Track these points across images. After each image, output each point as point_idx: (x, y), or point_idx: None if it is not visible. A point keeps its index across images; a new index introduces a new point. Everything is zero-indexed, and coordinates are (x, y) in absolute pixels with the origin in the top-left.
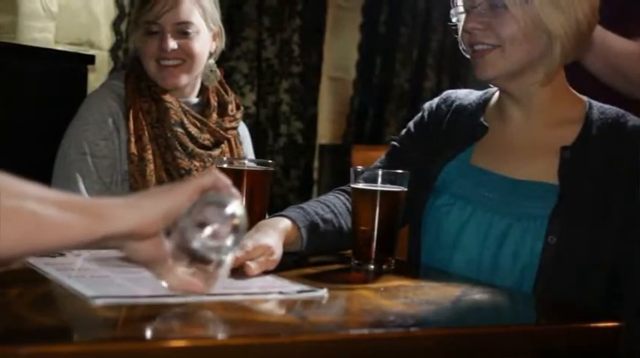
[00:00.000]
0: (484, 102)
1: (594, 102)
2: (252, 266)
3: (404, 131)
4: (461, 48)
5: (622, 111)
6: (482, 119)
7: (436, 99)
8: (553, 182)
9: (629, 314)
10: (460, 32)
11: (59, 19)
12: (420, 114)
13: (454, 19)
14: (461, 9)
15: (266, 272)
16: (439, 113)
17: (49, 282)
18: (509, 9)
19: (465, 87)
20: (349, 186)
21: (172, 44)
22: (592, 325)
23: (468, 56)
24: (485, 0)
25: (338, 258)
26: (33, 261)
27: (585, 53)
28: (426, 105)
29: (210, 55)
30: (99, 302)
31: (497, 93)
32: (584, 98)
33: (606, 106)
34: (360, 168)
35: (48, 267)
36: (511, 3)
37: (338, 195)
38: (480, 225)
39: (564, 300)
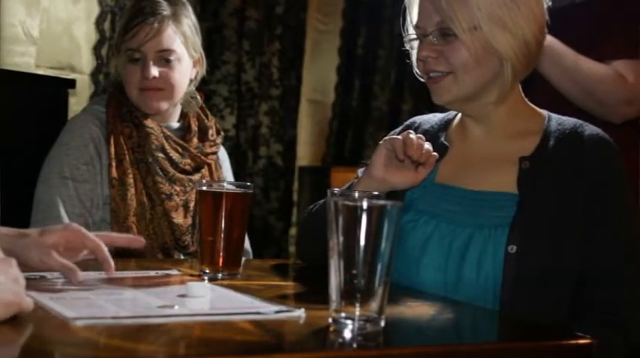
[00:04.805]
0: (446, 123)
1: (553, 115)
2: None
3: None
4: (415, 72)
5: (580, 121)
6: (442, 139)
7: (400, 127)
8: (513, 192)
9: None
10: (414, 59)
11: (40, 44)
12: None
13: (407, 46)
14: (413, 36)
15: (244, 293)
16: None
17: None
18: (460, 37)
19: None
20: None
21: (154, 72)
22: (564, 342)
23: (423, 80)
24: (437, 29)
25: (316, 279)
26: None
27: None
28: (391, 133)
29: (191, 81)
30: (79, 323)
31: (459, 114)
32: (544, 112)
33: (565, 118)
34: (336, 189)
35: (28, 289)
36: (460, 31)
37: None
38: (444, 238)
39: (545, 318)
